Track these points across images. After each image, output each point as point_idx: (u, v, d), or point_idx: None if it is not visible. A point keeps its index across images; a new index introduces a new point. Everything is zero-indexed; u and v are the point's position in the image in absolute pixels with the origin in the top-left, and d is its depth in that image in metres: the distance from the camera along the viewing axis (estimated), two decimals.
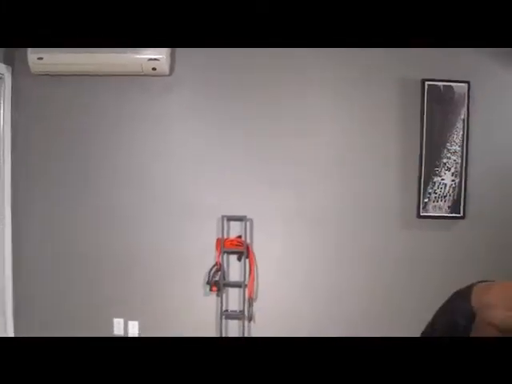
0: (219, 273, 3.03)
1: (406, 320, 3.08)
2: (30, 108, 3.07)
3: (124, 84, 3.03)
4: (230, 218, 3.02)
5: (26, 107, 3.06)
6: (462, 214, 3.06)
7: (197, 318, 3.09)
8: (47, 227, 3.12)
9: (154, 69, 2.93)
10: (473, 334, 0.95)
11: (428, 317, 2.89)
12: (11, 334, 3.13)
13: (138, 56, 2.87)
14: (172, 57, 3.01)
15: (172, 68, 3.02)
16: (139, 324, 3.13)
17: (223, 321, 3.06)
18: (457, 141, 3.05)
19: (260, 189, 3.01)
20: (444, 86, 3.03)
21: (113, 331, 3.13)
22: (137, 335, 3.12)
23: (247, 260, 3.02)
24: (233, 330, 3.08)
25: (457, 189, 3.05)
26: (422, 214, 3.05)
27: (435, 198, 3.05)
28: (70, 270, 3.12)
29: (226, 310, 3.08)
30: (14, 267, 3.12)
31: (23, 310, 3.14)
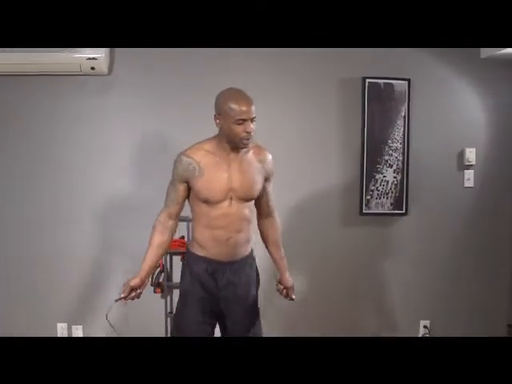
0: (163, 274, 2.99)
1: (349, 316, 3.13)
2: None
3: (61, 83, 2.96)
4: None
5: None
6: (404, 211, 3.10)
7: (143, 320, 3.06)
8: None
9: (92, 68, 2.87)
10: None
11: (368, 311, 2.86)
12: None
13: (76, 55, 2.80)
14: (111, 56, 2.96)
15: (111, 68, 2.97)
16: (83, 328, 3.08)
17: (168, 322, 3.03)
18: (398, 138, 3.08)
19: None
20: (384, 83, 3.06)
21: (56, 336, 3.08)
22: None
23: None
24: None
25: (399, 185, 3.09)
26: (364, 212, 3.08)
27: (378, 195, 3.08)
28: (9, 272, 3.05)
29: (171, 312, 3.04)
30: None
31: None
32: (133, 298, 2.07)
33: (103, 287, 3.05)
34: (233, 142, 1.95)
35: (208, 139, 2.01)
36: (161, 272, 3.01)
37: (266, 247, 2.23)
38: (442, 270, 3.17)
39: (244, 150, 2.00)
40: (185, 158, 1.97)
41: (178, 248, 2.98)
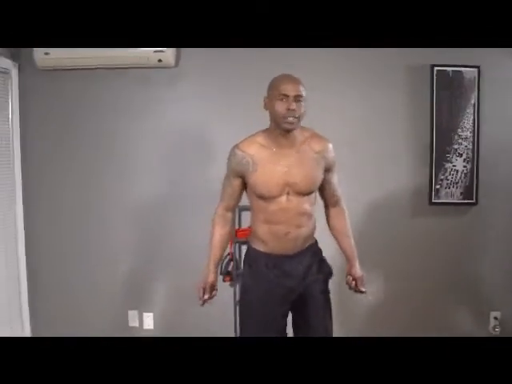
0: (232, 263, 3.04)
1: (421, 305, 3.10)
2: (37, 103, 3.09)
3: (130, 76, 3.04)
4: (242, 208, 3.02)
5: (34, 102, 3.08)
6: (474, 201, 3.05)
7: (212, 308, 3.10)
8: (57, 218, 3.16)
9: (159, 60, 2.94)
10: None
11: (439, 301, 2.83)
12: (27, 327, 3.18)
13: (143, 48, 2.88)
14: (178, 49, 3.02)
15: (178, 59, 3.03)
16: (154, 316, 3.16)
17: (237, 311, 3.07)
18: (468, 126, 3.03)
19: None
20: (453, 71, 3.01)
21: (128, 323, 3.16)
22: (152, 327, 3.16)
23: None
24: None
25: (469, 175, 3.04)
26: (433, 201, 3.04)
27: (447, 184, 3.04)
28: (82, 262, 3.16)
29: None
30: (27, 261, 3.16)
31: (38, 303, 3.18)
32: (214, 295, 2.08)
33: (174, 276, 3.13)
34: (278, 124, 1.87)
35: (260, 131, 1.96)
36: (230, 261, 3.07)
37: (335, 238, 2.13)
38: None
39: (299, 139, 1.93)
40: (238, 152, 1.93)
41: (247, 237, 3.03)
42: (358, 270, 2.06)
